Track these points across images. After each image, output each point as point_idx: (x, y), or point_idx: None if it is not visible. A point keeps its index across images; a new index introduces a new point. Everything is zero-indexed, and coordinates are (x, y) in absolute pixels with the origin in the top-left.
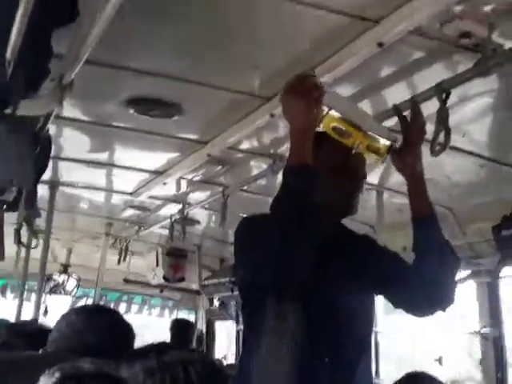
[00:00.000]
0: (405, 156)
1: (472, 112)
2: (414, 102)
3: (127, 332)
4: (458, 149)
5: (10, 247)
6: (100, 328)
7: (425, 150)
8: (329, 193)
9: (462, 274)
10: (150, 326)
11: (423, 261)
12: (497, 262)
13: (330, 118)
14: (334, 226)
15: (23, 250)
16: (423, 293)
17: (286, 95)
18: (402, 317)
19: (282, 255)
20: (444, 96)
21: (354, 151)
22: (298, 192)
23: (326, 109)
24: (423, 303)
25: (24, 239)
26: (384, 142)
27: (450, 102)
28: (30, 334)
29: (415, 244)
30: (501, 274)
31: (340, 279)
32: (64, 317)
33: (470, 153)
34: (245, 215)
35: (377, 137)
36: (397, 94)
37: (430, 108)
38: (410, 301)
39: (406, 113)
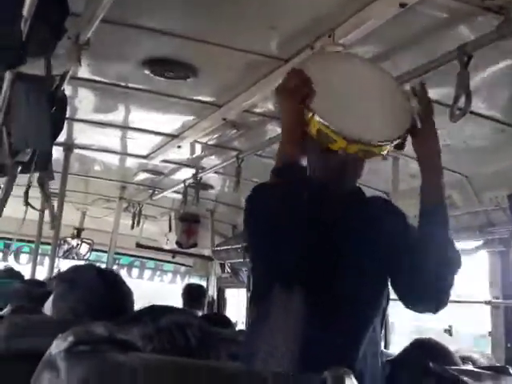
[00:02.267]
0: (415, 140)
1: (492, 76)
2: (422, 85)
3: (127, 295)
4: (476, 113)
5: (24, 210)
6: (99, 290)
7: (444, 114)
8: (324, 170)
9: (475, 243)
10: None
11: (424, 252)
12: (511, 231)
13: (315, 121)
14: (343, 198)
15: (33, 213)
16: (417, 287)
17: (277, 91)
18: None
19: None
20: (466, 59)
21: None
22: (283, 194)
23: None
24: (414, 297)
25: (37, 202)
26: (377, 147)
27: (470, 66)
28: (40, 296)
29: (419, 232)
30: None
31: (350, 258)
32: (65, 277)
33: (489, 117)
34: (257, 183)
35: (366, 143)
36: (419, 55)
37: (451, 71)
38: (405, 291)
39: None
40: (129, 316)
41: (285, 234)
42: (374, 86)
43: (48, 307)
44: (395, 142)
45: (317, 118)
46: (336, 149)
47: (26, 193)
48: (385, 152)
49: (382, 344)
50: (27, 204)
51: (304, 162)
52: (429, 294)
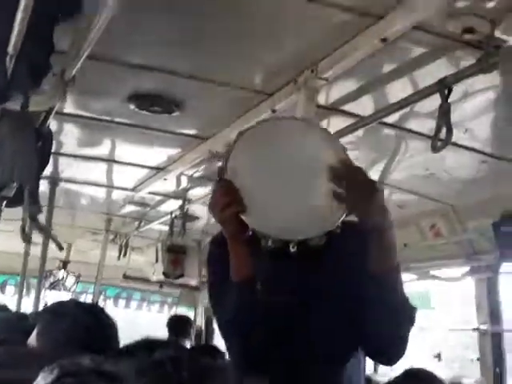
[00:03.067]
0: (356, 213)
1: (473, 108)
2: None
3: (112, 328)
4: (459, 145)
5: (10, 244)
6: (84, 324)
7: (426, 145)
8: None
9: (461, 270)
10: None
11: (374, 314)
12: (497, 258)
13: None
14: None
15: (17, 247)
16: (369, 342)
17: (209, 208)
18: None
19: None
20: (446, 92)
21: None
22: (241, 309)
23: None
24: (368, 349)
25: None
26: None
27: (451, 98)
28: (26, 329)
29: (368, 298)
30: (500, 270)
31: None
32: (48, 310)
33: (471, 149)
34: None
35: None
36: (400, 89)
37: (432, 104)
38: (365, 345)
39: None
40: (122, 348)
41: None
42: (304, 170)
43: (32, 340)
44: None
45: (252, 228)
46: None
47: (23, 228)
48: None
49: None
50: (26, 240)
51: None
52: (380, 350)
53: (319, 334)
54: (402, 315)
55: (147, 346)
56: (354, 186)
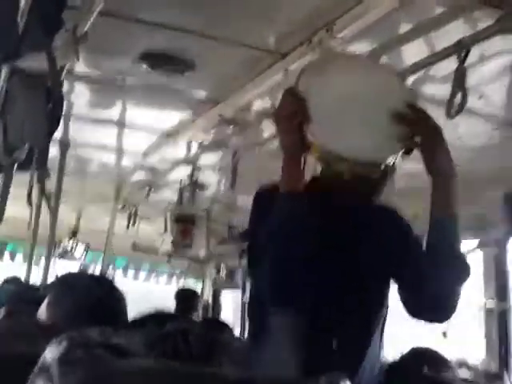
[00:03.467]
0: (422, 156)
1: (489, 73)
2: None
3: (121, 301)
4: (472, 111)
5: (20, 210)
6: (94, 296)
7: (440, 112)
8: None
9: (469, 243)
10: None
11: (432, 264)
12: (505, 232)
13: (315, 146)
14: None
15: (23, 212)
16: (424, 298)
17: (273, 117)
18: None
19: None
20: (463, 54)
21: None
22: (287, 220)
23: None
24: (421, 308)
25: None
26: (379, 166)
27: (467, 62)
28: (37, 300)
29: (426, 244)
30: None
31: (351, 271)
32: (58, 282)
33: (486, 115)
34: (260, 185)
35: (369, 163)
36: (416, 50)
37: (447, 68)
38: (411, 300)
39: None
40: (131, 322)
41: (284, 250)
42: (374, 96)
43: (41, 313)
44: (398, 155)
45: (315, 141)
46: (338, 171)
47: (30, 193)
48: (392, 165)
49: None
50: (31, 204)
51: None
52: (435, 306)
53: (355, 291)
54: (460, 267)
55: (156, 319)
56: (421, 129)
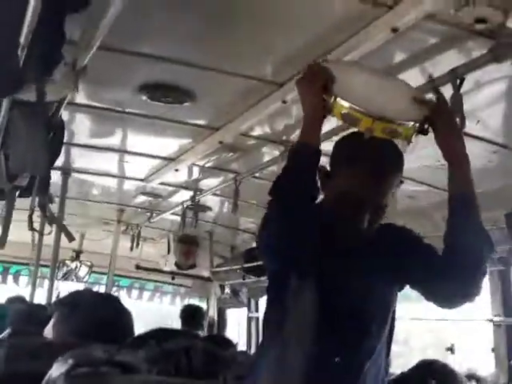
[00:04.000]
0: (437, 138)
1: (485, 99)
2: (436, 89)
3: (128, 318)
4: (470, 135)
5: (23, 234)
6: (99, 312)
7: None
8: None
9: None
10: None
11: (457, 243)
12: (509, 250)
13: (339, 105)
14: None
15: (26, 235)
16: (453, 280)
17: (297, 83)
18: (413, 305)
19: (278, 227)
20: (458, 82)
21: (367, 135)
22: (296, 169)
23: (333, 97)
24: (452, 292)
25: (37, 225)
26: (403, 126)
27: (463, 89)
28: (42, 320)
29: (449, 226)
30: None
31: (362, 270)
32: (65, 301)
33: (483, 139)
34: (255, 205)
35: (393, 121)
36: (411, 79)
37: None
38: (441, 291)
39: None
40: (134, 339)
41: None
42: (390, 82)
43: (49, 330)
44: (418, 124)
45: (340, 100)
46: (363, 129)
47: (30, 217)
48: (410, 134)
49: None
50: (32, 229)
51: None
52: (464, 282)
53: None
54: (484, 239)
55: (159, 335)
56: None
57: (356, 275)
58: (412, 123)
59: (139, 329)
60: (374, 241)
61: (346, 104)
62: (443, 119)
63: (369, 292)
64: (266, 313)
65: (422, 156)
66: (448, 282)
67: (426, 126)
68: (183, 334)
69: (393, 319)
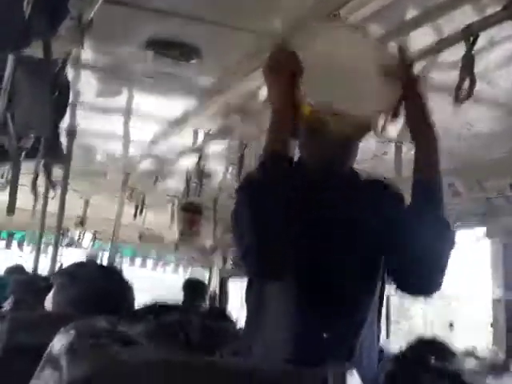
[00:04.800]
0: (405, 114)
1: (496, 59)
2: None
3: (128, 291)
4: (480, 97)
5: (27, 200)
6: (99, 284)
7: (448, 98)
8: (314, 155)
9: (477, 231)
10: None
11: (414, 229)
12: None
13: (306, 100)
14: (337, 183)
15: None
16: (409, 266)
17: (263, 71)
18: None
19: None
20: (471, 40)
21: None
22: (268, 181)
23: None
24: (407, 278)
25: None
26: (370, 119)
27: (475, 48)
28: (43, 290)
29: (409, 208)
30: None
31: (342, 245)
32: (65, 272)
33: (493, 102)
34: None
35: (361, 115)
36: (423, 36)
37: (455, 54)
38: (397, 272)
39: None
40: (132, 313)
41: (272, 225)
42: (362, 60)
43: (49, 301)
44: (383, 113)
45: (308, 97)
46: (327, 124)
47: (35, 180)
48: (376, 125)
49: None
50: (35, 193)
51: (292, 148)
52: (421, 273)
53: (347, 264)
54: (444, 230)
55: (156, 310)
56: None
57: (337, 242)
58: (376, 113)
59: (143, 298)
60: (356, 199)
61: (311, 98)
62: (413, 100)
63: (351, 258)
64: (246, 293)
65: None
66: (404, 273)
67: (397, 110)
68: (181, 309)
69: (383, 285)
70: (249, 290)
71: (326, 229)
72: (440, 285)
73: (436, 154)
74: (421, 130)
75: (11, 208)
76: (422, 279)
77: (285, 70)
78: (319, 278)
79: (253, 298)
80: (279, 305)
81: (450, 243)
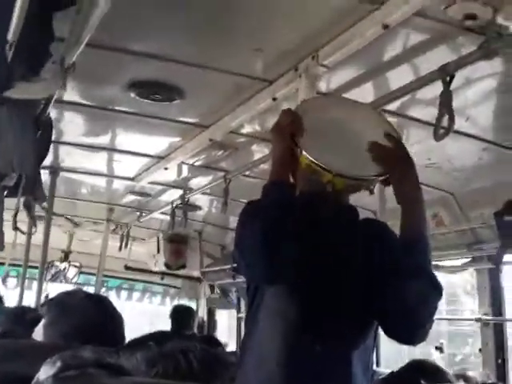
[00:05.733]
0: (392, 183)
1: (475, 95)
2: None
3: (119, 320)
4: (460, 132)
5: (11, 234)
6: (89, 314)
7: (427, 133)
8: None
9: (463, 260)
10: None
11: (402, 285)
12: (499, 248)
13: (303, 157)
14: (337, 214)
15: (20, 237)
16: (395, 318)
17: (271, 130)
18: None
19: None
20: (448, 79)
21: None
22: (272, 205)
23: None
24: (392, 326)
25: (24, 226)
26: (363, 182)
27: (453, 86)
28: (31, 322)
29: (400, 265)
30: (503, 260)
31: (335, 265)
32: (56, 302)
33: (473, 136)
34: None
35: (352, 177)
36: (401, 76)
37: (433, 91)
38: (385, 320)
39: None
40: (133, 341)
41: (276, 245)
42: (361, 127)
43: (39, 332)
44: (380, 178)
45: (305, 153)
46: (325, 181)
47: (15, 217)
48: (372, 187)
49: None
50: (16, 228)
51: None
52: (404, 325)
53: (344, 289)
54: (431, 290)
55: (157, 338)
56: (391, 159)
57: (333, 262)
58: (373, 177)
59: (130, 330)
60: (356, 232)
61: (308, 158)
62: (400, 168)
63: (347, 281)
64: (247, 310)
65: (412, 154)
66: (390, 322)
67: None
68: (181, 336)
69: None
70: (248, 312)
71: (329, 253)
72: (425, 336)
73: (422, 217)
74: (407, 198)
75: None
76: (407, 329)
77: (288, 127)
78: (317, 298)
79: (250, 322)
80: (276, 322)
81: (435, 297)
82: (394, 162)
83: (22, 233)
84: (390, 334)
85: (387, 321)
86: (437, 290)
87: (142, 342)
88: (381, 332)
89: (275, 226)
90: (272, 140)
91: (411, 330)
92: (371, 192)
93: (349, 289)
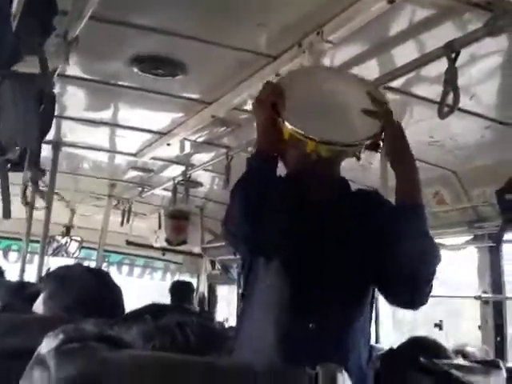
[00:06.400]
0: (385, 152)
1: (480, 73)
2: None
3: (118, 294)
4: (464, 110)
5: (13, 208)
6: (89, 287)
7: (431, 111)
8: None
9: (464, 238)
10: None
11: (401, 250)
12: (500, 226)
13: (285, 127)
14: (329, 183)
15: (21, 212)
16: (394, 281)
17: (252, 106)
18: None
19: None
20: (453, 56)
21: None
22: (251, 177)
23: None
24: (392, 291)
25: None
26: (348, 148)
27: (458, 63)
28: (31, 296)
29: (395, 228)
30: (503, 238)
31: (329, 240)
32: (55, 275)
33: (477, 114)
34: None
35: (336, 144)
36: (406, 52)
37: (438, 68)
38: (384, 284)
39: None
40: (128, 314)
41: (267, 215)
42: (345, 95)
43: (38, 306)
44: (365, 143)
45: (287, 124)
46: (308, 150)
47: (24, 192)
48: (358, 153)
49: (373, 337)
50: (27, 203)
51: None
52: (405, 289)
53: (333, 272)
54: (428, 250)
55: (154, 311)
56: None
57: (324, 235)
58: (358, 142)
59: (130, 305)
60: (346, 204)
61: (289, 127)
62: (391, 134)
63: (340, 253)
64: (243, 288)
65: (415, 132)
66: (390, 286)
67: (376, 143)
68: (178, 310)
69: (373, 297)
70: (245, 287)
71: (322, 224)
72: (425, 300)
73: (415, 182)
74: (399, 160)
75: (7, 214)
76: (408, 293)
77: (268, 100)
78: (310, 273)
79: (245, 297)
80: (269, 299)
81: (433, 262)
82: (391, 115)
83: (33, 208)
84: (392, 299)
85: (388, 286)
86: (436, 250)
87: (137, 315)
88: (381, 308)
89: (254, 198)
90: (254, 112)
91: (412, 292)
92: (358, 158)
93: (343, 261)
